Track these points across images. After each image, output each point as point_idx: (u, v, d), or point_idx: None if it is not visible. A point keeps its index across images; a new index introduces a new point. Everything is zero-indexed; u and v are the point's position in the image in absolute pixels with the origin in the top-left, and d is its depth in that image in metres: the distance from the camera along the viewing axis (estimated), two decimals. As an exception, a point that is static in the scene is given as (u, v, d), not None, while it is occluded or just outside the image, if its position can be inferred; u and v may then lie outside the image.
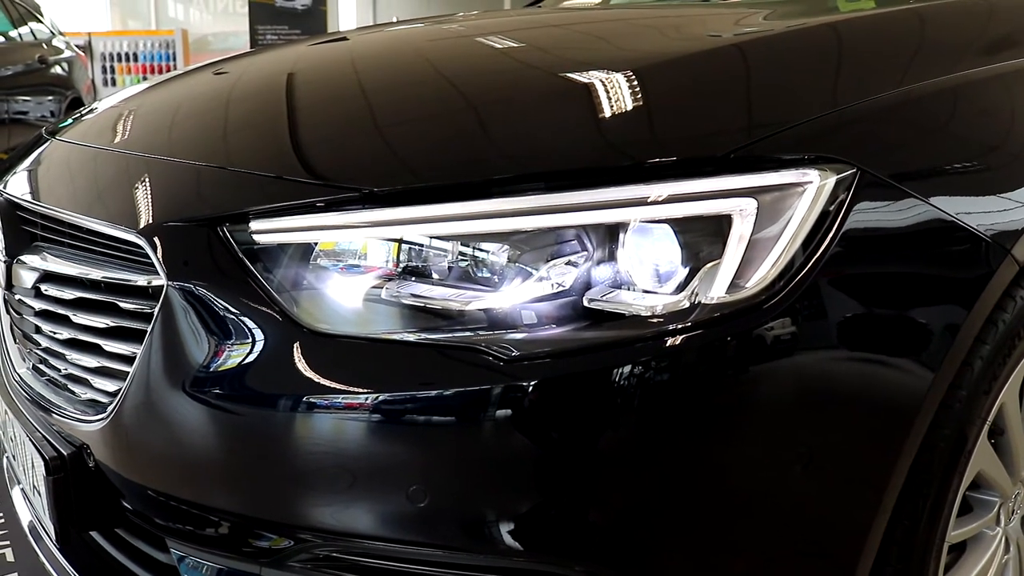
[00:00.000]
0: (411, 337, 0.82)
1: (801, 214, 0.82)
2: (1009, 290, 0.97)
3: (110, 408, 0.95)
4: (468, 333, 0.81)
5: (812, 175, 0.83)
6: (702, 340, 0.79)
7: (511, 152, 0.89)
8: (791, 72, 0.99)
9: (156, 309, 0.89)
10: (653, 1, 1.94)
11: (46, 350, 1.12)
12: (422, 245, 0.84)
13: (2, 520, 1.80)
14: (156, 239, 0.88)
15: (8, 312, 1.28)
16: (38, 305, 1.11)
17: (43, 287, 1.10)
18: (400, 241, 0.84)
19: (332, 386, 0.82)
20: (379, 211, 0.84)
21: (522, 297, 0.82)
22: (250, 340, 0.85)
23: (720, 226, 0.81)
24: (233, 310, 0.86)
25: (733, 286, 0.80)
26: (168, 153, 1.03)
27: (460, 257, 0.84)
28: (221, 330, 0.86)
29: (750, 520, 0.85)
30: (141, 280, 0.92)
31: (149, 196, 0.95)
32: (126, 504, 1.00)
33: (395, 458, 0.82)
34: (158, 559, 1.03)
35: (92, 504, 1.05)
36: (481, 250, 0.83)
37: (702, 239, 0.81)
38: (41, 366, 1.17)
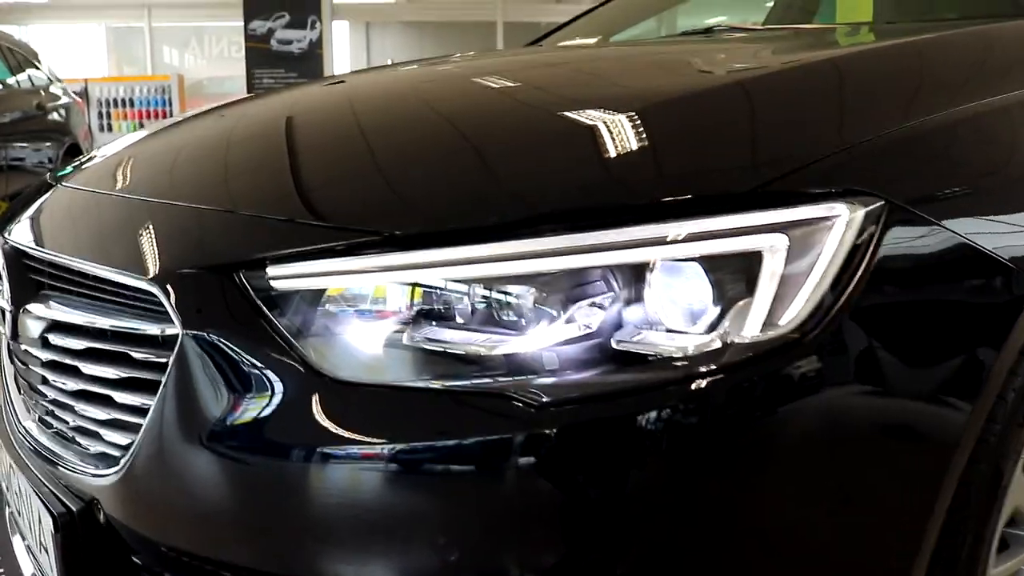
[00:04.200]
0: (435, 384, 0.80)
1: (832, 248, 0.80)
2: None
3: (123, 462, 0.92)
4: (493, 380, 0.79)
5: (841, 208, 0.81)
6: (736, 381, 0.77)
7: (532, 192, 0.87)
8: (814, 105, 0.98)
9: (170, 359, 0.86)
10: (655, 39, 1.95)
11: (53, 402, 1.09)
12: (443, 289, 0.82)
13: (2, 572, 1.76)
14: (169, 287, 0.86)
15: (13, 363, 1.25)
16: (45, 355, 1.08)
17: (50, 337, 1.07)
18: (421, 285, 0.82)
19: (354, 437, 0.79)
20: (399, 255, 0.82)
21: (548, 341, 0.79)
22: (268, 390, 0.83)
23: (750, 263, 0.79)
24: (250, 358, 0.83)
25: (766, 324, 0.78)
26: (177, 198, 1.01)
27: (483, 300, 0.81)
28: (238, 379, 0.83)
29: (784, 567, 0.83)
30: (154, 329, 0.90)
31: (160, 242, 0.93)
32: (137, 561, 0.96)
33: (420, 511, 0.79)
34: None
35: (102, 561, 1.02)
36: (505, 292, 0.81)
37: (732, 277, 0.79)
38: (48, 418, 1.14)
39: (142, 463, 0.89)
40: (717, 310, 0.79)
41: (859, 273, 0.80)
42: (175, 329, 0.86)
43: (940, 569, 0.90)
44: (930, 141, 0.93)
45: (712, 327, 0.78)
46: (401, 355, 0.82)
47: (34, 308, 1.11)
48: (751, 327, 0.77)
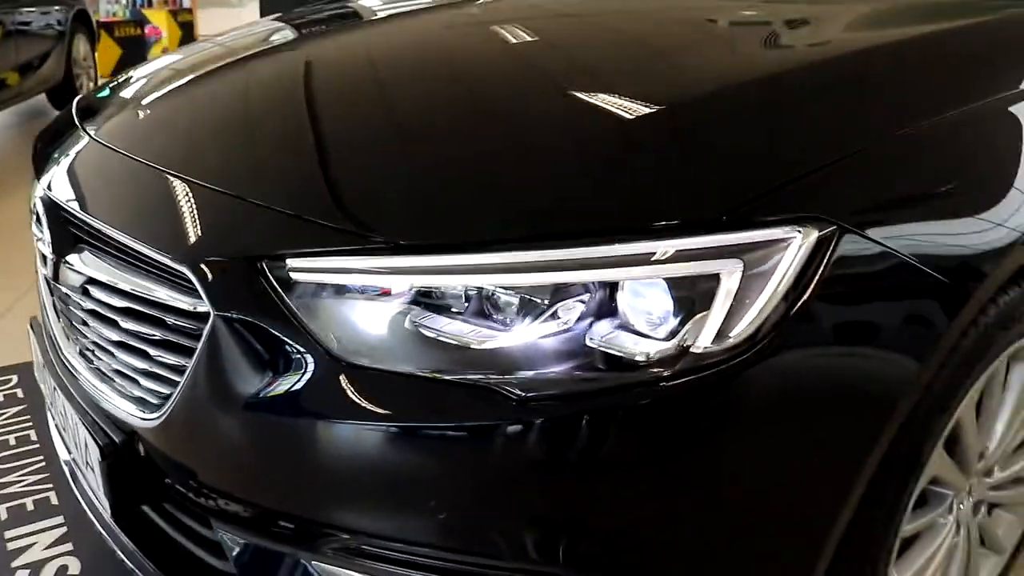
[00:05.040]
0: (429, 373, 0.93)
1: (784, 269, 0.91)
2: (971, 323, 1.08)
3: (163, 410, 1.07)
4: (481, 373, 0.91)
5: (794, 233, 0.92)
6: (690, 382, 0.89)
7: (525, 209, 0.97)
8: (774, 130, 1.06)
9: (203, 332, 0.99)
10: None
11: (94, 343, 1.23)
12: (439, 289, 0.94)
13: (43, 464, 1.96)
14: (201, 271, 0.98)
15: (53, 296, 1.38)
16: (87, 304, 1.21)
17: (90, 289, 1.19)
18: (420, 286, 0.94)
19: (357, 410, 0.94)
20: (404, 259, 0.93)
21: (529, 339, 0.92)
22: (284, 367, 0.96)
23: (709, 282, 0.90)
24: (270, 340, 0.96)
25: (719, 336, 0.90)
26: (211, 180, 1.10)
27: (474, 302, 0.93)
28: (260, 356, 0.97)
29: (730, 529, 0.98)
30: (187, 303, 1.02)
31: (195, 226, 1.04)
32: (170, 483, 1.13)
33: (406, 476, 0.94)
34: (200, 532, 1.16)
35: (141, 484, 1.18)
36: (493, 297, 0.93)
37: (692, 294, 0.90)
38: (88, 354, 1.27)
39: (179, 413, 1.04)
40: (676, 321, 0.90)
41: (808, 291, 0.92)
42: (206, 307, 0.99)
43: (859, 528, 1.05)
44: (875, 166, 1.02)
45: (672, 335, 0.90)
46: (401, 345, 0.94)
47: (74, 261, 1.22)
48: (704, 338, 0.90)
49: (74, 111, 1.54)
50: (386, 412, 0.93)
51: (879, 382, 0.99)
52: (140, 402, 1.14)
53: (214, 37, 1.98)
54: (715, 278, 0.90)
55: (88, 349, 1.26)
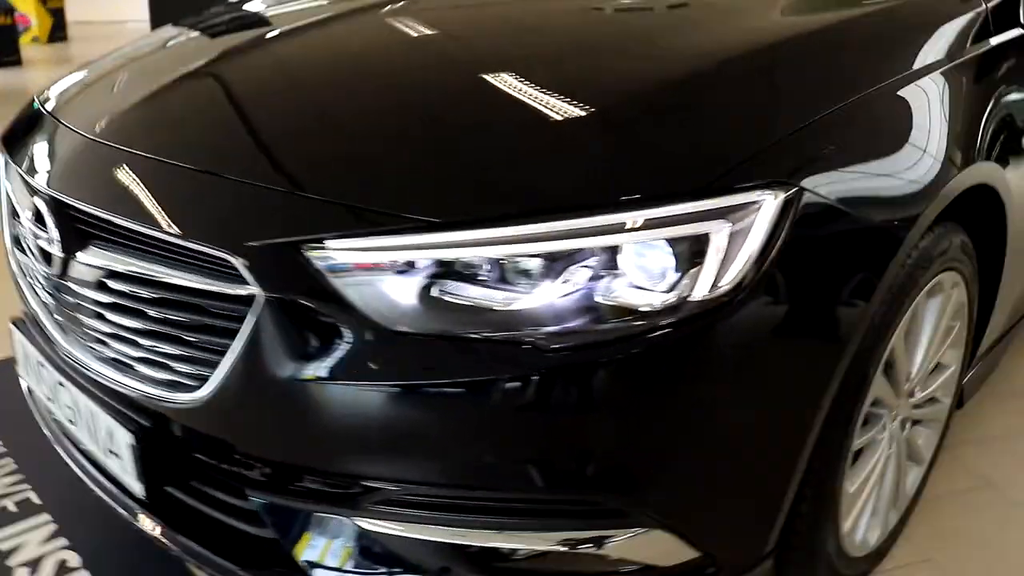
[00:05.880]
0: (465, 332, 1.05)
1: (760, 228, 1.07)
2: (901, 264, 1.28)
3: (202, 390, 1.15)
4: (508, 330, 1.04)
5: (766, 195, 1.08)
6: (690, 327, 1.05)
7: (543, 184, 1.10)
8: (746, 102, 1.23)
9: (247, 314, 1.08)
10: None
11: (112, 335, 1.28)
12: (467, 260, 1.06)
13: (16, 466, 1.95)
14: (247, 257, 1.07)
15: (46, 293, 1.41)
16: (105, 298, 1.26)
17: (109, 282, 1.25)
18: (450, 259, 1.06)
19: (403, 372, 1.06)
20: (433, 235, 1.05)
21: (549, 298, 1.05)
22: (330, 337, 1.07)
23: (701, 241, 1.06)
24: (316, 315, 1.07)
25: (712, 286, 1.05)
26: (237, 173, 1.18)
27: (498, 269, 1.06)
28: (307, 330, 1.08)
29: (728, 448, 1.16)
30: (229, 289, 1.10)
31: (234, 217, 1.13)
32: (215, 462, 1.21)
33: (448, 429, 1.07)
34: (235, 504, 1.25)
35: (174, 464, 1.26)
36: (516, 263, 1.06)
37: (688, 251, 1.05)
38: (98, 347, 1.32)
39: (224, 390, 1.13)
40: (676, 276, 1.06)
41: (778, 244, 1.09)
42: (251, 290, 1.08)
43: (824, 446, 1.25)
44: (822, 135, 1.20)
45: (671, 288, 1.06)
46: (435, 311, 1.06)
47: (87, 257, 1.27)
48: (701, 288, 1.05)
49: (48, 108, 1.55)
50: (430, 370, 1.05)
51: (838, 317, 1.17)
52: (171, 385, 1.21)
53: (196, 23, 1.99)
54: (706, 238, 1.06)
55: (100, 341, 1.31)
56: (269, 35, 1.74)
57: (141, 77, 1.62)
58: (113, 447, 1.30)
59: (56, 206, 1.31)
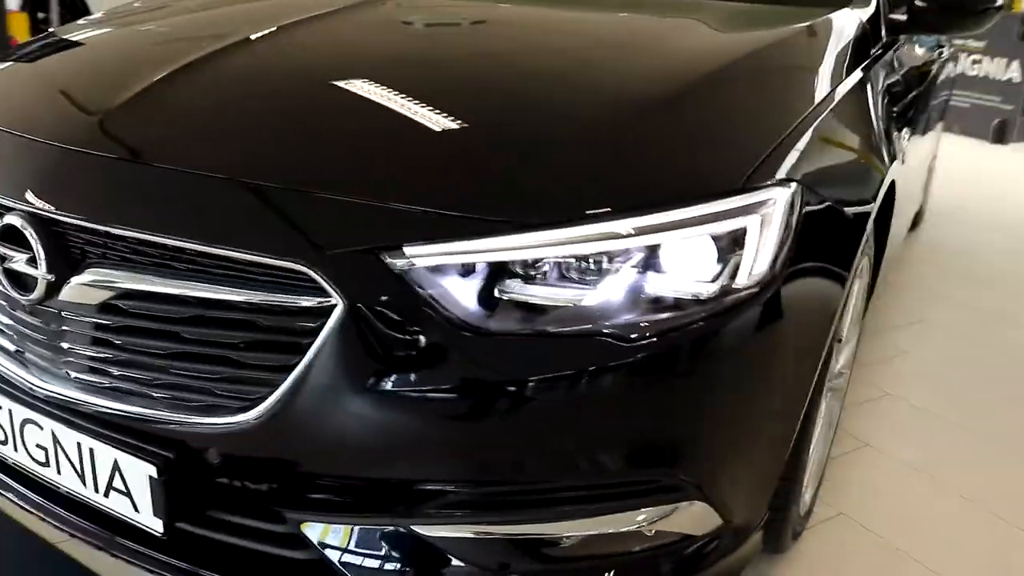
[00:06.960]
0: (531, 331, 1.10)
1: (777, 221, 1.21)
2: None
3: (257, 411, 1.09)
4: (581, 325, 1.10)
5: (780, 191, 1.22)
6: (735, 311, 1.17)
7: (603, 188, 1.17)
8: (756, 107, 1.38)
9: (327, 326, 1.06)
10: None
11: (124, 362, 1.18)
12: (540, 260, 1.11)
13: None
14: (325, 268, 1.05)
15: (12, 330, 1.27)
16: (112, 320, 1.16)
17: (121, 303, 1.15)
18: (523, 260, 1.10)
19: (492, 372, 1.09)
20: (506, 238, 1.09)
21: (616, 294, 1.12)
22: (414, 343, 1.07)
23: (739, 235, 1.17)
24: (399, 321, 1.06)
25: (749, 274, 1.18)
26: (302, 183, 1.15)
27: (567, 267, 1.11)
28: (392, 337, 1.07)
29: (752, 419, 1.28)
30: (306, 301, 1.07)
31: (306, 229, 1.10)
32: (256, 488, 1.15)
33: (546, 421, 1.11)
34: (265, 529, 1.19)
35: (203, 495, 1.18)
36: (584, 262, 1.12)
37: (729, 245, 1.17)
38: (93, 377, 1.21)
39: (289, 409, 1.09)
40: (720, 267, 1.17)
41: (791, 235, 1.23)
42: (331, 300, 1.06)
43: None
44: (812, 131, 1.37)
45: (715, 278, 1.16)
46: (507, 310, 1.09)
47: (91, 277, 1.16)
48: (742, 277, 1.17)
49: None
50: (518, 367, 1.08)
51: (833, 292, 1.35)
52: (206, 409, 1.14)
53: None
54: (743, 232, 1.17)
55: (96, 370, 1.20)
56: (328, 30, 1.69)
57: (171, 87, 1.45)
58: (123, 485, 1.19)
59: (41, 224, 1.19)
